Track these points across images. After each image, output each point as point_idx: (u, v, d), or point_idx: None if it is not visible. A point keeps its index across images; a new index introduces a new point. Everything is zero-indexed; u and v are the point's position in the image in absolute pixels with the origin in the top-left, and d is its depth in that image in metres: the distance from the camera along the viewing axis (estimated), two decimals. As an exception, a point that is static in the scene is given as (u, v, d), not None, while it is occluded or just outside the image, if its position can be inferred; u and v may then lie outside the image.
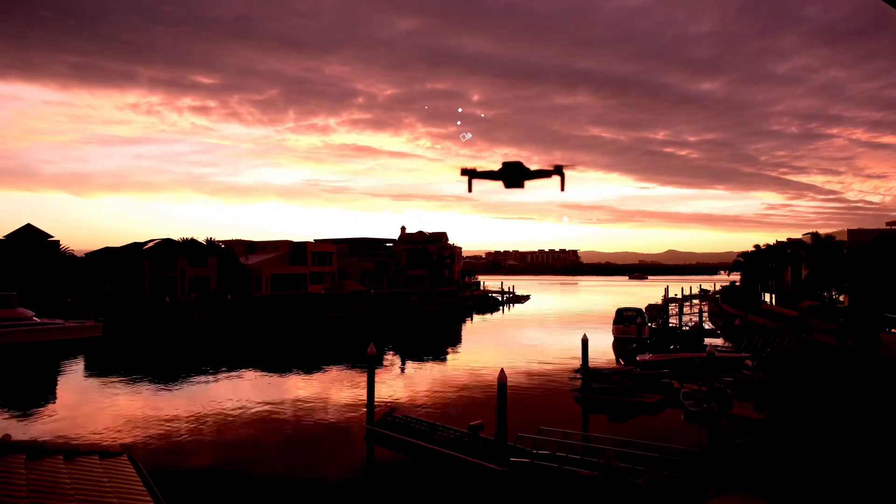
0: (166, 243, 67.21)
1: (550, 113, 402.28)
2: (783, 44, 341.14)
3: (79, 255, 67.29)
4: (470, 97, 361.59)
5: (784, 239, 70.82)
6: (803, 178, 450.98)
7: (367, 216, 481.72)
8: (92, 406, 25.65)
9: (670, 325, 51.84)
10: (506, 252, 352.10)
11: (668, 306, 72.49)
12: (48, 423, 22.99)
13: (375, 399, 21.92)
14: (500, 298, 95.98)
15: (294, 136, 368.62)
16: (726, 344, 41.20)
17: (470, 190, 8.09)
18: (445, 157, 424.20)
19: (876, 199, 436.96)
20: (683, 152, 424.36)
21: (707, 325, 56.12)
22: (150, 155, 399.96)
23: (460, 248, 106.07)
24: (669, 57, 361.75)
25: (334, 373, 34.07)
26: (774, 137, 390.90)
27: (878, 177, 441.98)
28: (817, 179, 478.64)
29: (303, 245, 77.46)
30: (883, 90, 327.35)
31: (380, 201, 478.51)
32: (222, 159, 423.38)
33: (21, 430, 21.57)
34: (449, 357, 41.47)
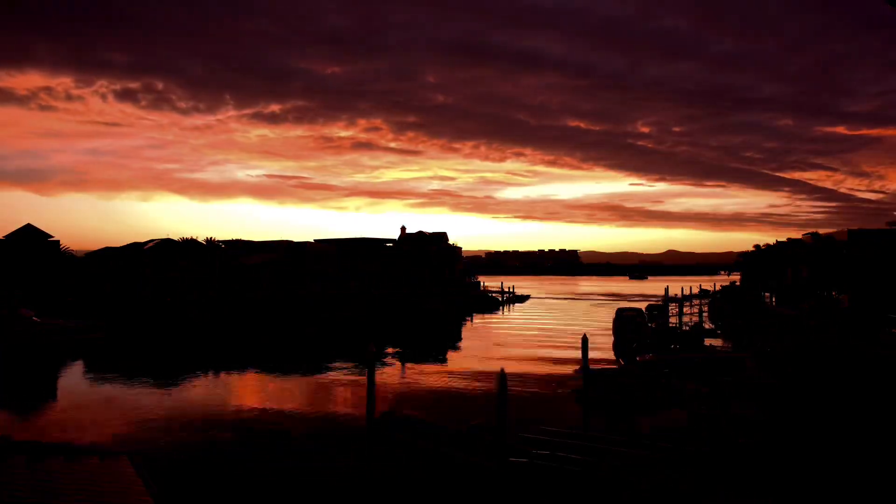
0: (167, 243, 67.40)
1: (516, 100, 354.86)
2: (770, 7, 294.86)
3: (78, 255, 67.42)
4: (424, 78, 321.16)
5: (784, 239, 70.91)
6: (797, 175, 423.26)
7: (345, 216, 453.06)
8: (92, 406, 25.65)
9: (670, 325, 51.84)
10: (506, 252, 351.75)
11: (668, 306, 72.49)
12: (48, 424, 22.99)
13: (375, 399, 21.91)
14: (500, 298, 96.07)
15: (241, 128, 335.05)
16: (726, 344, 41.23)
17: None
18: (413, 150, 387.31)
19: (874, 196, 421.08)
20: (666, 146, 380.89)
21: (707, 325, 56.10)
22: (106, 150, 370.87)
23: (460, 249, 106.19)
24: (640, 28, 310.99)
25: (334, 372, 34.07)
26: (765, 129, 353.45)
27: (877, 174, 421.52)
28: (812, 176, 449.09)
29: (303, 245, 77.59)
30: (883, 70, 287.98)
31: (356, 200, 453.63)
32: (180, 154, 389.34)
33: (21, 431, 21.56)
34: (449, 357, 41.48)
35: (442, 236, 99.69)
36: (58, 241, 64.23)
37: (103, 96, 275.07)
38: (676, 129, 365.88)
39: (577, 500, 15.09)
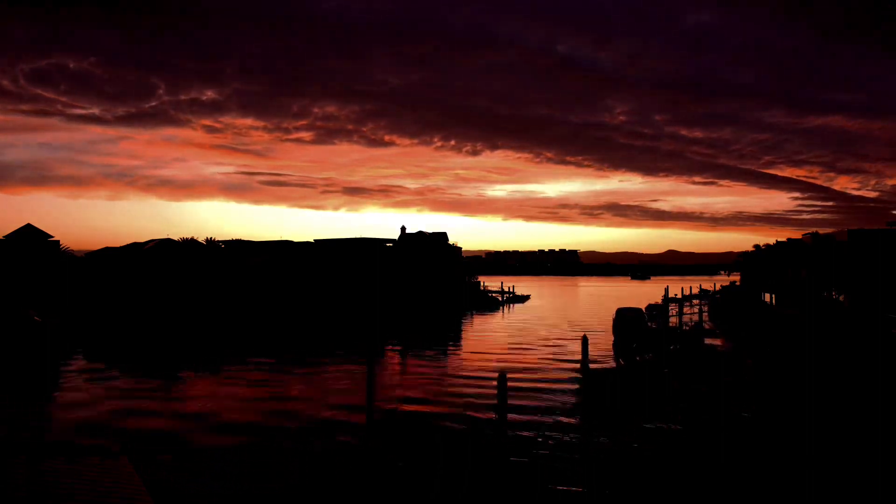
0: (167, 243, 67.56)
1: (476, 84, 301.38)
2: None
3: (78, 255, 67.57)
4: (370, 56, 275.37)
5: (784, 239, 71.02)
6: (792, 172, 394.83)
7: (324, 215, 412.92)
8: (92, 406, 25.65)
9: (670, 325, 51.88)
10: (506, 252, 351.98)
11: (668, 306, 72.55)
12: (48, 424, 23.00)
13: (375, 398, 21.92)
14: (500, 298, 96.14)
15: (185, 118, 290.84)
16: (726, 344, 41.28)
17: None
18: (379, 141, 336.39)
19: (872, 194, 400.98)
20: (648, 140, 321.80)
21: (707, 325, 56.15)
22: (59, 144, 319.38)
23: (461, 248, 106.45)
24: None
25: (334, 373, 34.09)
26: (754, 119, 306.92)
27: (875, 171, 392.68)
28: (808, 173, 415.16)
29: (304, 245, 77.71)
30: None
31: (333, 199, 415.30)
32: (136, 150, 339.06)
33: (22, 431, 21.57)
34: (449, 356, 41.49)
35: (442, 236, 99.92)
36: (58, 241, 64.32)
37: (14, 80, 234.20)
38: (658, 117, 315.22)
39: (578, 500, 15.11)
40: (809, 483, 14.45)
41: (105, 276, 62.30)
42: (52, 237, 63.92)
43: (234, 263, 69.06)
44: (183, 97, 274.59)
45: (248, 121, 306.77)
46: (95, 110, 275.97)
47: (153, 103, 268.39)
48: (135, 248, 68.35)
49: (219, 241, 76.17)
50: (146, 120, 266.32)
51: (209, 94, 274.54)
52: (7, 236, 62.10)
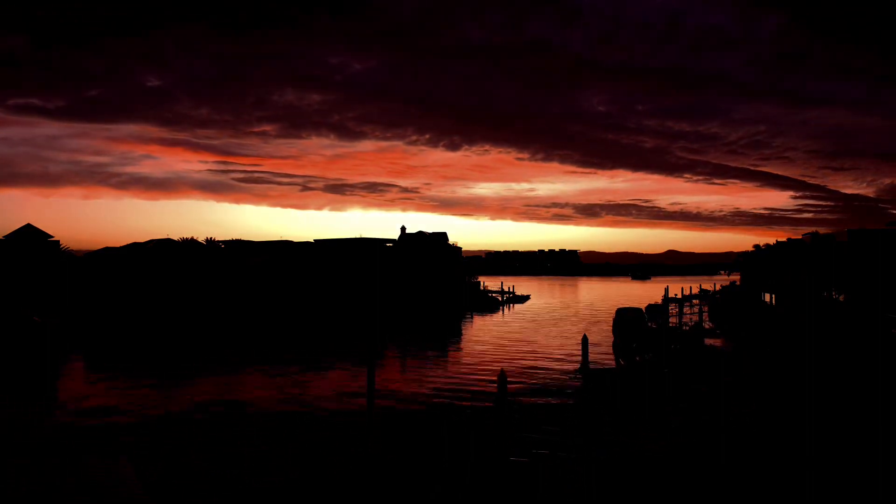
0: (166, 243, 67.66)
1: (442, 70, 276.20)
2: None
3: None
4: (318, 34, 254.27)
5: (784, 239, 71.09)
6: (789, 171, 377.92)
7: (308, 214, 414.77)
8: (91, 407, 25.66)
9: (670, 325, 51.86)
10: (505, 252, 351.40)
11: (668, 306, 72.51)
12: (48, 424, 23.00)
13: (375, 398, 21.92)
14: (500, 298, 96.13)
15: (137, 109, 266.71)
16: (726, 344, 41.28)
17: None
18: (353, 133, 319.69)
19: (871, 193, 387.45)
20: (635, 135, 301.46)
21: (707, 325, 56.13)
22: (18, 139, 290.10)
23: (460, 248, 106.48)
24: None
25: (334, 372, 34.10)
26: (747, 114, 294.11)
27: (872, 168, 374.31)
28: (805, 172, 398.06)
29: (303, 245, 77.76)
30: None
31: (316, 198, 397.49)
32: (99, 146, 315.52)
33: (21, 432, 21.57)
34: (449, 356, 41.48)
35: (442, 236, 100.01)
36: (58, 242, 64.39)
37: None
38: (640, 107, 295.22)
39: (578, 500, 15.10)
40: (809, 483, 14.43)
41: (105, 276, 62.28)
42: (52, 237, 63.99)
43: (234, 263, 69.06)
44: (127, 83, 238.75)
45: (204, 111, 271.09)
46: (35, 100, 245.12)
47: (94, 92, 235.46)
48: (135, 247, 68.39)
49: (219, 241, 76.29)
50: (95, 109, 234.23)
51: (151, 81, 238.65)
52: (7, 236, 62.13)
